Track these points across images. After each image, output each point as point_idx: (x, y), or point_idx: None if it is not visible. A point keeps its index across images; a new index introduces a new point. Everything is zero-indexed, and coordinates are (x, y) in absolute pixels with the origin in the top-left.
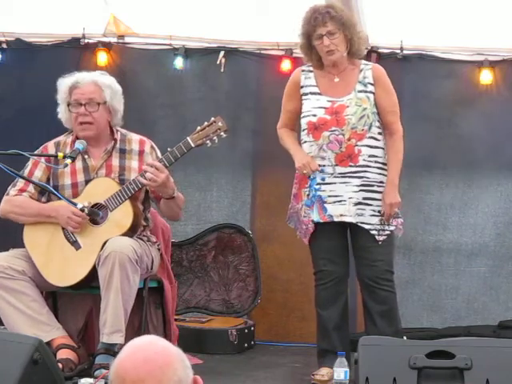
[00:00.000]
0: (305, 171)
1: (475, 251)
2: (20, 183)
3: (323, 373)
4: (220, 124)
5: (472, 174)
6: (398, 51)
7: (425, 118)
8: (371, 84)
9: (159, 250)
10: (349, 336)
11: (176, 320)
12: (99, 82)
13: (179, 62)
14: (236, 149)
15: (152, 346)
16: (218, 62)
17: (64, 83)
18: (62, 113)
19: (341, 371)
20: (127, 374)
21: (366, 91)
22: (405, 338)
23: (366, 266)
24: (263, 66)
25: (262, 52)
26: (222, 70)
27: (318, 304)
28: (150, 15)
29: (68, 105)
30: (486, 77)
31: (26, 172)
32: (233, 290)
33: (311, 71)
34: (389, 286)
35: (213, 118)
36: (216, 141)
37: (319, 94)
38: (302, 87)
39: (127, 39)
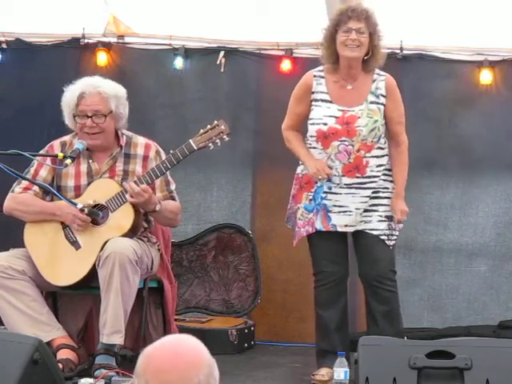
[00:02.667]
0: (320, 177)
1: (475, 251)
2: (25, 181)
3: (323, 373)
4: (223, 127)
5: (472, 173)
6: (398, 51)
7: (425, 118)
8: (383, 96)
9: (159, 250)
10: (349, 336)
11: (176, 320)
12: (104, 92)
13: (179, 62)
14: (236, 149)
15: (186, 342)
16: (217, 62)
17: (69, 94)
18: (69, 122)
19: (341, 371)
20: (153, 360)
21: (377, 103)
22: (405, 338)
23: (369, 265)
24: (263, 65)
25: (262, 52)
26: (222, 69)
27: (319, 305)
28: (150, 15)
29: (74, 116)
30: (485, 77)
31: (31, 171)
32: (233, 289)
33: (323, 77)
34: (391, 285)
35: (216, 122)
36: (218, 144)
37: (330, 101)
38: (313, 93)
39: (127, 39)
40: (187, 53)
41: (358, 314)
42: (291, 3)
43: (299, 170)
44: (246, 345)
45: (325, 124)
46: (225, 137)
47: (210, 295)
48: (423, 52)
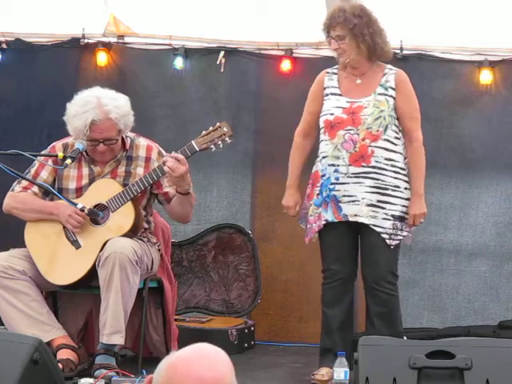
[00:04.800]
0: (284, 211)
1: (475, 251)
2: (25, 181)
3: (323, 373)
4: (225, 129)
5: (472, 174)
6: (398, 51)
7: (425, 118)
8: (392, 88)
9: (159, 250)
10: (351, 336)
11: (176, 320)
12: (113, 117)
13: (179, 62)
14: (236, 149)
15: (219, 356)
16: (217, 62)
17: (78, 121)
18: (77, 137)
19: (341, 371)
20: (191, 370)
21: (386, 94)
22: (405, 338)
23: (369, 266)
24: (263, 65)
25: (262, 52)
26: (222, 69)
27: (324, 303)
28: (150, 15)
29: (86, 140)
30: (485, 77)
31: (32, 172)
32: (233, 289)
33: (335, 73)
34: (391, 289)
35: (218, 123)
36: (220, 146)
37: (340, 94)
38: (324, 88)
39: (127, 39)
40: (187, 53)
41: (359, 314)
42: (291, 3)
43: (314, 168)
44: (246, 345)
45: (332, 114)
46: (227, 139)
47: (210, 295)
48: (423, 52)
